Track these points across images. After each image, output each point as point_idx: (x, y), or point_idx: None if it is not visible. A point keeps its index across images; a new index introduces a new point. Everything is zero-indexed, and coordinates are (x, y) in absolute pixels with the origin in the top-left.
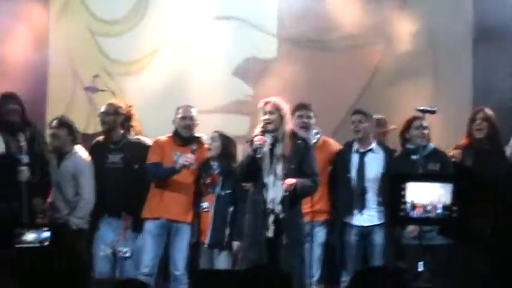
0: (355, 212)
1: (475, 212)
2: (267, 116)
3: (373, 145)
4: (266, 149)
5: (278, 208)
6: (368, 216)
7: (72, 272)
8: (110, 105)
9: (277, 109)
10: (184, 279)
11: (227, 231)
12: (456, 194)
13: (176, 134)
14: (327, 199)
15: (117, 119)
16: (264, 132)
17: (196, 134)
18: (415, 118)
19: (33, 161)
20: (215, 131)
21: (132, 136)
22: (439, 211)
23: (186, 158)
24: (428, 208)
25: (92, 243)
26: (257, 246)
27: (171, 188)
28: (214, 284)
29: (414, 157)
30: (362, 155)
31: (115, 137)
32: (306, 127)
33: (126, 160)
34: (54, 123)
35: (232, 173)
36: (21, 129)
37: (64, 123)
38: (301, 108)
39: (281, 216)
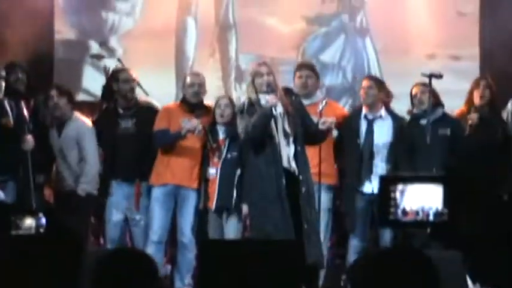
0: (364, 179)
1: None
2: (265, 78)
3: (382, 112)
4: (279, 107)
5: (293, 165)
6: (377, 184)
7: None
8: (124, 71)
9: (271, 70)
10: (192, 246)
11: (234, 194)
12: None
13: (184, 101)
14: (332, 162)
15: (133, 86)
16: (268, 93)
17: (205, 102)
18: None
19: (36, 130)
20: (223, 96)
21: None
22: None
23: (191, 122)
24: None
25: (103, 210)
26: (278, 206)
27: (178, 153)
28: (223, 255)
29: (423, 122)
30: (371, 122)
31: (127, 103)
32: (305, 87)
33: (138, 125)
34: (54, 92)
35: (238, 137)
36: (26, 98)
37: (63, 92)
38: (301, 68)
39: (296, 173)
